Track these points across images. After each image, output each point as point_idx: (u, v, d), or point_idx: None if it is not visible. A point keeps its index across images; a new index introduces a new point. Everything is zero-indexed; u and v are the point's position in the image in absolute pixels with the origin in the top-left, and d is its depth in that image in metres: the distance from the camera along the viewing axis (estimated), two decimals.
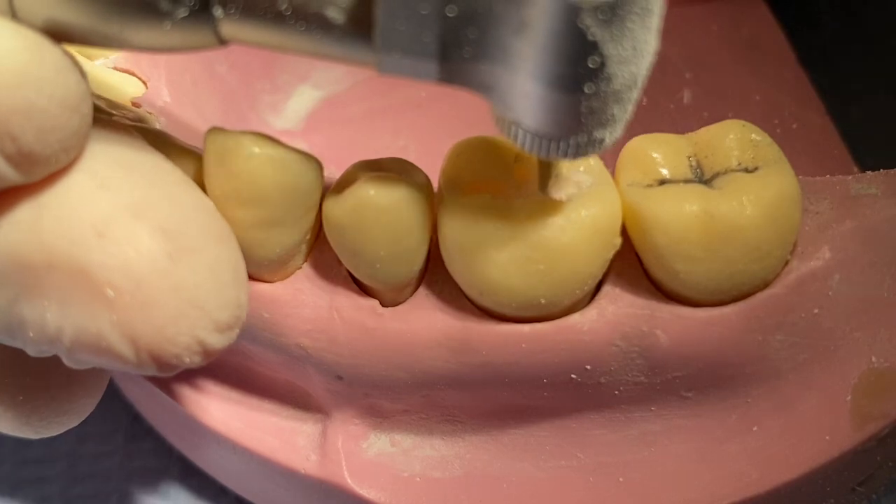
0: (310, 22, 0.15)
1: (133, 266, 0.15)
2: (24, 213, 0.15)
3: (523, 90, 0.14)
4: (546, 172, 0.18)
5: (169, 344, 0.15)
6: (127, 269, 0.15)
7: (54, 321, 0.16)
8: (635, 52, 0.14)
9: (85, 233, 0.15)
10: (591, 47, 0.13)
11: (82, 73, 0.15)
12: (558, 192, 0.18)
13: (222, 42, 0.16)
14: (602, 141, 0.15)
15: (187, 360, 0.16)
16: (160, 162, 0.17)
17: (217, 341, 0.16)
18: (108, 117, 0.17)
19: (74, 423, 0.21)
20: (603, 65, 0.14)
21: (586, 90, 0.14)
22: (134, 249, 0.15)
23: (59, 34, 0.15)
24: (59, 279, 0.15)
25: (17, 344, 0.17)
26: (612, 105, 0.14)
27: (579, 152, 0.15)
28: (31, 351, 0.17)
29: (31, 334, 0.16)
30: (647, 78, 0.15)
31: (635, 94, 0.15)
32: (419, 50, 0.15)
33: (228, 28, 0.15)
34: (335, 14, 0.15)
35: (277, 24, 0.15)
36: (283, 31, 0.15)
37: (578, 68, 0.14)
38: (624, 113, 0.15)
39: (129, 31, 0.15)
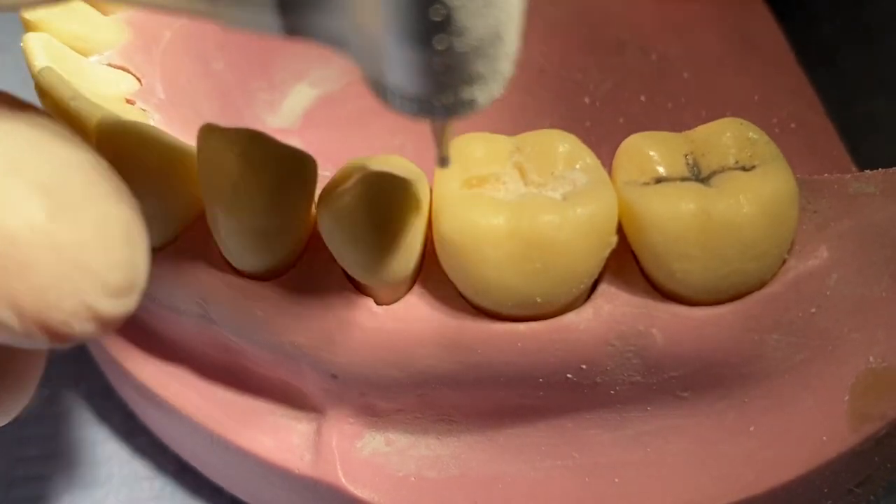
0: None
1: (8, 225, 0.14)
2: None
3: (374, 46, 0.14)
4: (438, 137, 0.17)
5: (53, 310, 0.14)
6: (2, 229, 0.14)
7: None
8: (487, 2, 0.13)
9: None
10: None
11: None
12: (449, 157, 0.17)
13: None
14: (473, 101, 0.14)
15: (78, 327, 0.15)
16: (44, 122, 0.16)
17: (109, 307, 0.15)
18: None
19: (3, 422, 0.20)
20: (449, 17, 0.13)
21: (437, 45, 0.13)
22: (9, 207, 0.14)
23: None
24: None
25: None
26: (474, 61, 0.14)
27: (450, 113, 0.14)
28: None
29: None
30: (518, 32, 0.14)
31: (506, 50, 0.14)
32: (255, 1, 0.14)
33: None
34: None
35: None
36: None
37: (422, 20, 0.13)
38: (493, 71, 0.14)
39: None
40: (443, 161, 0.17)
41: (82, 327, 0.15)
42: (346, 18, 0.14)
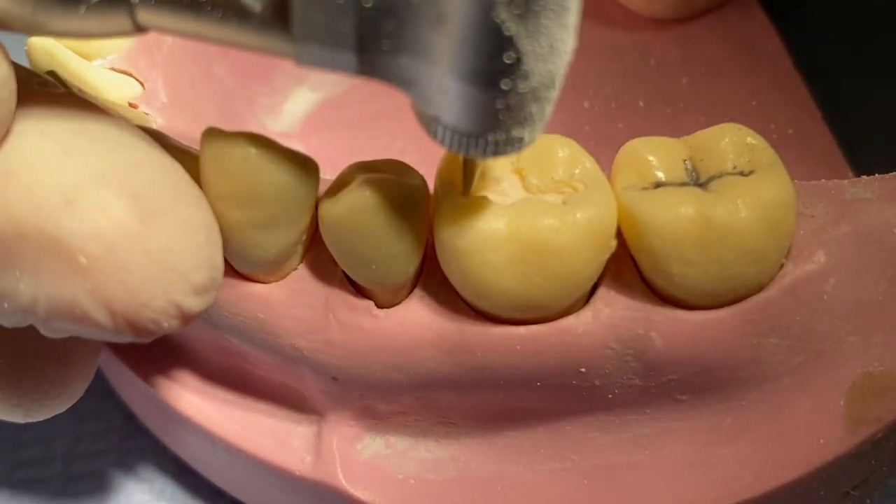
0: (226, 9, 0.15)
1: (104, 232, 0.15)
2: None
3: (442, 85, 0.15)
4: (470, 173, 0.18)
5: (145, 309, 0.15)
6: (98, 235, 0.15)
7: (28, 291, 0.15)
8: (552, 49, 0.14)
9: (53, 201, 0.15)
10: (507, 42, 0.13)
11: (3, 57, 0.15)
12: (481, 192, 0.18)
13: (139, 29, 0.15)
14: (521, 140, 0.15)
15: (165, 324, 0.16)
16: (126, 127, 0.16)
17: (194, 304, 0.16)
18: (69, 90, 0.17)
19: (64, 407, 0.21)
20: (519, 60, 0.14)
21: (503, 86, 0.14)
22: (104, 215, 0.15)
23: None
24: (30, 249, 0.15)
25: None
26: (529, 103, 0.15)
27: (498, 151, 0.15)
28: (7, 322, 0.16)
29: (6, 305, 0.16)
30: (564, 77, 0.15)
31: (554, 94, 0.15)
32: (337, 41, 0.15)
33: (145, 14, 0.15)
34: (252, 1, 0.15)
35: (193, 10, 0.15)
36: (199, 18, 0.15)
37: (495, 63, 0.14)
38: (542, 112, 0.15)
39: (43, 14, 0.15)
40: (467, 191, 0.18)
41: (168, 324, 0.16)
42: (415, 60, 0.15)
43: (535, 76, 0.14)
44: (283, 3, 0.14)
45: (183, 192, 0.16)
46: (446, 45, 0.14)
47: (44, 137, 0.15)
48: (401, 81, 0.15)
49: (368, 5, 0.14)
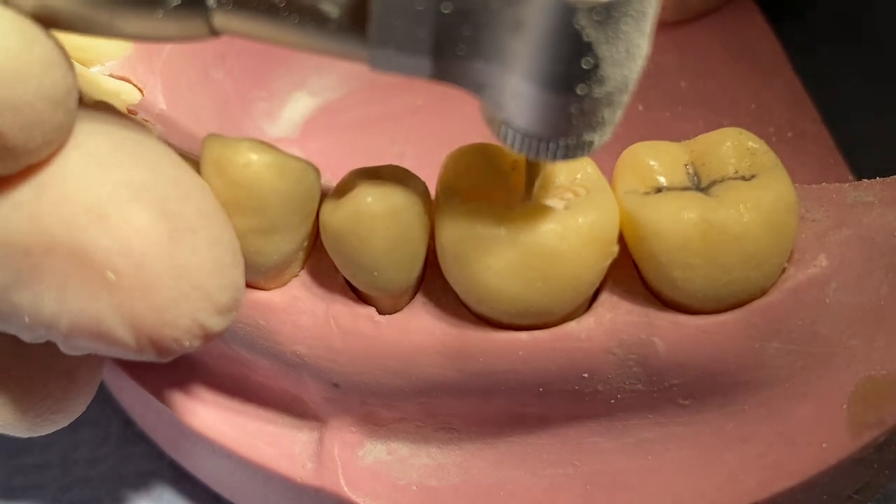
0: (303, 14, 0.15)
1: (134, 248, 0.15)
2: (22, 196, 0.15)
3: (516, 90, 0.15)
4: (533, 175, 0.18)
5: (169, 327, 0.15)
6: (128, 251, 0.15)
7: (51, 306, 0.15)
8: (628, 55, 0.14)
9: (84, 215, 0.15)
10: (586, 48, 0.13)
11: (70, 66, 0.15)
12: (543, 197, 0.18)
13: (214, 33, 0.15)
14: (591, 144, 0.15)
15: (187, 343, 0.16)
16: (157, 144, 0.16)
17: (217, 324, 0.16)
18: (106, 103, 0.17)
19: (66, 423, 0.20)
20: (596, 66, 0.14)
21: (578, 91, 0.14)
22: (135, 231, 0.15)
23: (48, 20, 0.15)
24: (58, 263, 0.15)
25: (11, 330, 0.16)
26: (603, 108, 0.15)
27: (568, 154, 0.15)
28: (26, 337, 0.16)
29: (27, 319, 0.16)
30: (637, 82, 0.15)
31: (626, 98, 0.15)
32: (413, 46, 0.15)
33: (221, 19, 0.15)
34: (329, 7, 0.15)
35: (270, 15, 0.15)
36: (276, 23, 0.15)
37: (572, 69, 0.14)
38: (614, 116, 0.15)
39: (121, 19, 0.15)
40: (530, 193, 0.18)
41: (191, 343, 0.16)
42: (490, 65, 0.15)
43: (610, 81, 0.14)
44: (361, 8, 0.14)
45: (211, 211, 0.16)
46: (523, 50, 0.14)
47: (78, 149, 0.15)
48: (473, 86, 0.15)
49: (447, 11, 0.14)
